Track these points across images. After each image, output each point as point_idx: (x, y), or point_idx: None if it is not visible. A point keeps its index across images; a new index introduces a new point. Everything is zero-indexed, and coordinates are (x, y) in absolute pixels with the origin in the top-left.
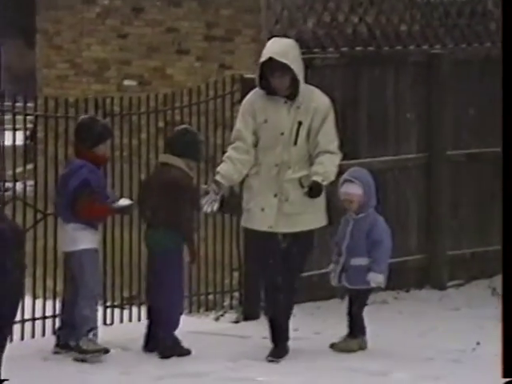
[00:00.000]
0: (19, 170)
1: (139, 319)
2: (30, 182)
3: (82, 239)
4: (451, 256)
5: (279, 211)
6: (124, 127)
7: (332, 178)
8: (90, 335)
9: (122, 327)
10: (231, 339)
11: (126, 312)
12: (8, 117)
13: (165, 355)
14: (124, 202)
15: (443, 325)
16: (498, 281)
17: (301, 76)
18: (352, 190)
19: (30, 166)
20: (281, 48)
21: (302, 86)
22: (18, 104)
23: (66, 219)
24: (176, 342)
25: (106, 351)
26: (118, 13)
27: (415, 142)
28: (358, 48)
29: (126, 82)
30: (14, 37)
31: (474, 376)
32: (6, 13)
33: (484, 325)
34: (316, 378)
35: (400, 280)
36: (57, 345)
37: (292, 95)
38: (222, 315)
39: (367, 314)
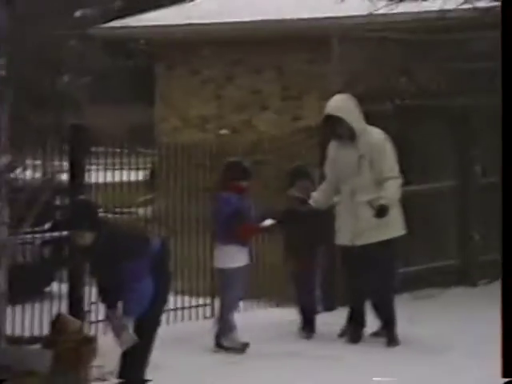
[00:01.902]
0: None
1: None
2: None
3: (236, 258)
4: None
5: (354, 228)
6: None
7: (396, 198)
8: (230, 335)
9: None
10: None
11: None
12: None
13: None
14: (268, 221)
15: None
16: None
17: (356, 121)
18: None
19: (150, 196)
20: (339, 103)
21: (361, 127)
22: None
23: (222, 241)
24: None
25: (244, 348)
26: (215, 80)
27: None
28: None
29: (222, 131)
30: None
31: None
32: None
33: None
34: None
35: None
36: (216, 344)
37: (352, 137)
38: None
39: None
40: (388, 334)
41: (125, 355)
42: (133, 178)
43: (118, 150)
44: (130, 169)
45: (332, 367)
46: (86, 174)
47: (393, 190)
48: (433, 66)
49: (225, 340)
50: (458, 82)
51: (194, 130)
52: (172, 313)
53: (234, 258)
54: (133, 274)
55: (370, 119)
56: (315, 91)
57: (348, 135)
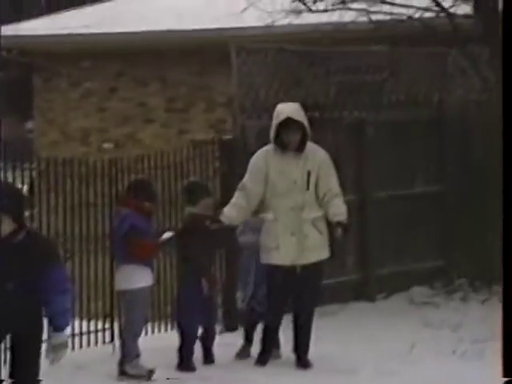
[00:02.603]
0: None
1: None
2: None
3: (136, 278)
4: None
5: (298, 247)
6: None
7: (346, 214)
8: (135, 362)
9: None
10: (219, 347)
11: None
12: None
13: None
14: (167, 234)
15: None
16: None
17: (309, 132)
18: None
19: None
20: (295, 109)
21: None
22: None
23: (120, 260)
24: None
25: (150, 375)
26: (97, 92)
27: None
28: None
29: (105, 145)
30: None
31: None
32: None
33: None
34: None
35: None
36: (120, 372)
37: (301, 148)
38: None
39: (321, 323)
40: (302, 355)
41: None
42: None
43: None
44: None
45: None
46: None
47: (344, 207)
48: (326, 78)
49: (129, 367)
50: (349, 94)
51: (75, 143)
52: (70, 339)
53: (134, 278)
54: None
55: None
56: (201, 103)
57: (298, 145)
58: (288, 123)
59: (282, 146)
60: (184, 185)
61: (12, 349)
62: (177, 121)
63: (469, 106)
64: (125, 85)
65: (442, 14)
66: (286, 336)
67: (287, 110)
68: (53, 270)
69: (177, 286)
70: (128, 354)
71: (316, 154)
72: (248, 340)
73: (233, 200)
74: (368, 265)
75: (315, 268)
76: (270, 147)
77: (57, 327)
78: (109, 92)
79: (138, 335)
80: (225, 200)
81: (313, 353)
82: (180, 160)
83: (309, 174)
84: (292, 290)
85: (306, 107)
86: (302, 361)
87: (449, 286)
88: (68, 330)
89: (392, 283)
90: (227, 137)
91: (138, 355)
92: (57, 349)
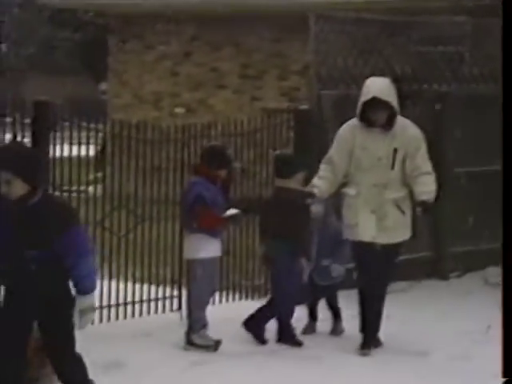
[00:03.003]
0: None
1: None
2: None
3: (204, 248)
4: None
5: (378, 226)
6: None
7: (434, 194)
8: (202, 332)
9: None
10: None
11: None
12: (84, 133)
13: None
14: (232, 211)
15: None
16: (488, 272)
17: (398, 110)
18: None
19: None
20: (382, 87)
21: (398, 117)
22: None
23: (188, 229)
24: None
25: (217, 346)
26: (171, 56)
27: None
28: None
29: (177, 110)
30: (81, 73)
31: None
32: (79, 54)
33: (485, 310)
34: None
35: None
36: (187, 342)
37: (388, 126)
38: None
39: (390, 300)
40: (371, 336)
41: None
42: (83, 153)
43: (66, 124)
44: (79, 143)
45: (312, 368)
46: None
47: (432, 186)
48: (405, 48)
49: (196, 337)
50: (429, 66)
51: (147, 107)
52: (137, 305)
53: (202, 248)
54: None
55: (347, 103)
56: (275, 71)
57: (386, 123)
58: (374, 102)
59: (368, 123)
60: (277, 156)
61: (42, 328)
62: (249, 88)
63: None
64: (199, 49)
65: None
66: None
67: (374, 87)
68: (71, 232)
69: (266, 261)
70: (195, 323)
71: (406, 131)
72: (312, 317)
73: (320, 173)
74: (442, 242)
75: (395, 248)
76: (355, 121)
77: (82, 291)
78: (183, 56)
79: (206, 305)
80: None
81: (381, 331)
82: (253, 128)
83: (395, 151)
84: (374, 265)
85: (397, 81)
86: (370, 342)
87: None
88: (95, 293)
89: (466, 262)
90: (303, 106)
91: (205, 325)
92: (83, 313)
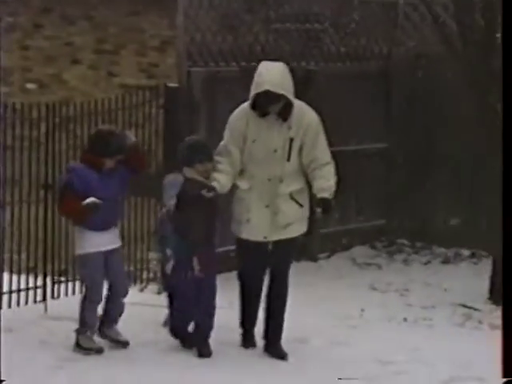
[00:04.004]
0: None
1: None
2: None
3: (81, 244)
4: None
5: (272, 222)
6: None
7: (334, 187)
8: (88, 333)
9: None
10: (154, 308)
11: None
12: None
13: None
14: (90, 199)
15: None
16: (355, 252)
17: (292, 98)
18: None
19: None
20: (277, 78)
21: (293, 104)
22: None
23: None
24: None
25: (99, 351)
26: (21, 28)
27: None
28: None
29: (28, 85)
30: None
31: (371, 339)
32: None
33: (356, 292)
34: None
35: None
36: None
37: (284, 115)
38: (145, 287)
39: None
40: (274, 342)
41: None
42: None
43: None
44: None
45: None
46: None
47: (332, 180)
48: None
49: (82, 338)
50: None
51: None
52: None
53: (79, 243)
54: None
55: (216, 81)
56: (133, 46)
57: (280, 114)
58: (267, 94)
59: (261, 113)
60: (186, 142)
61: None
62: (106, 63)
63: (419, 60)
64: (50, 22)
65: None
66: None
67: (268, 78)
68: None
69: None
70: (82, 324)
71: (302, 119)
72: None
73: (219, 166)
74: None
75: (289, 243)
76: (247, 108)
77: None
78: (33, 28)
79: (93, 305)
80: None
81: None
82: (115, 107)
83: (291, 141)
84: (263, 264)
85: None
86: (277, 350)
87: (390, 246)
88: None
89: (333, 242)
90: (172, 84)
91: (94, 325)
92: None
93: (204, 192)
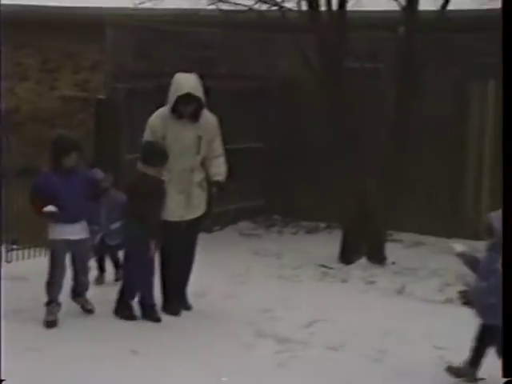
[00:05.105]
0: None
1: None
2: None
3: (51, 232)
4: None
5: (186, 205)
6: None
7: (226, 174)
8: (52, 305)
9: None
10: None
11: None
12: None
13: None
14: (50, 208)
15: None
16: (241, 226)
17: (204, 102)
18: None
19: None
20: (195, 84)
21: None
22: None
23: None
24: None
25: (50, 324)
26: None
27: None
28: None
29: None
30: None
31: (254, 293)
32: None
33: (242, 256)
34: None
35: None
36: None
37: (195, 118)
38: None
39: None
40: (181, 299)
41: None
42: None
43: None
44: None
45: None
46: None
47: (225, 167)
48: (178, 52)
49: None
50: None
51: None
52: None
53: (50, 230)
54: None
55: (135, 94)
56: (70, 66)
57: (194, 115)
58: (187, 97)
59: (178, 115)
60: (148, 145)
61: None
62: (49, 79)
63: (289, 81)
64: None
65: (275, 7)
66: None
67: (187, 83)
68: None
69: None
70: (48, 297)
71: (207, 120)
72: (102, 269)
73: None
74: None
75: (197, 222)
76: (165, 110)
77: None
78: None
79: (54, 286)
80: (98, 150)
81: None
82: (56, 114)
83: (200, 139)
84: (180, 239)
85: (201, 77)
86: (185, 302)
87: (267, 221)
88: None
89: (224, 218)
90: (101, 96)
91: (52, 301)
92: None
93: (160, 184)
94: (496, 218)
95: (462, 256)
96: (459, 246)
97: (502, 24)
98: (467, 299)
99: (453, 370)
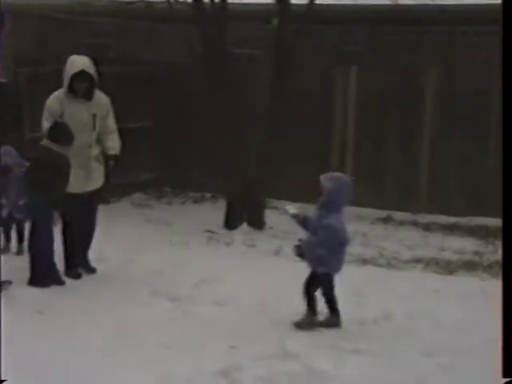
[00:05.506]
0: None
1: None
2: None
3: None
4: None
5: (85, 178)
6: None
7: (119, 148)
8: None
9: None
10: None
11: None
12: None
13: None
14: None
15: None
16: (134, 197)
17: (97, 81)
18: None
19: None
20: (88, 63)
21: None
22: None
23: None
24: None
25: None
26: None
27: None
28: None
29: None
30: None
31: (150, 257)
32: None
33: (136, 224)
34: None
35: None
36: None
37: (89, 96)
38: None
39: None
40: (88, 263)
41: None
42: None
43: None
44: None
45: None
46: None
47: (118, 142)
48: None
49: None
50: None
51: None
52: None
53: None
54: None
55: (36, 78)
56: None
57: (87, 94)
58: (81, 74)
59: (73, 92)
60: (56, 125)
61: None
62: None
63: (177, 66)
64: None
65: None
66: None
67: (81, 62)
68: None
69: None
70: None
71: (100, 99)
72: (8, 239)
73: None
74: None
75: (97, 193)
76: (61, 92)
77: None
78: None
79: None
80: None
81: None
82: None
83: (94, 116)
84: (82, 209)
85: (95, 60)
86: (90, 267)
87: (158, 192)
88: None
89: (120, 190)
90: (2, 80)
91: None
92: None
93: (64, 159)
94: (325, 178)
95: (295, 217)
96: (291, 207)
97: (502, 22)
98: (300, 252)
99: (301, 325)
